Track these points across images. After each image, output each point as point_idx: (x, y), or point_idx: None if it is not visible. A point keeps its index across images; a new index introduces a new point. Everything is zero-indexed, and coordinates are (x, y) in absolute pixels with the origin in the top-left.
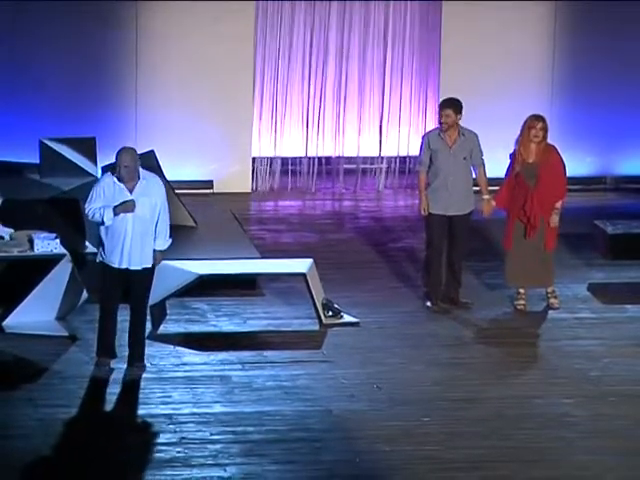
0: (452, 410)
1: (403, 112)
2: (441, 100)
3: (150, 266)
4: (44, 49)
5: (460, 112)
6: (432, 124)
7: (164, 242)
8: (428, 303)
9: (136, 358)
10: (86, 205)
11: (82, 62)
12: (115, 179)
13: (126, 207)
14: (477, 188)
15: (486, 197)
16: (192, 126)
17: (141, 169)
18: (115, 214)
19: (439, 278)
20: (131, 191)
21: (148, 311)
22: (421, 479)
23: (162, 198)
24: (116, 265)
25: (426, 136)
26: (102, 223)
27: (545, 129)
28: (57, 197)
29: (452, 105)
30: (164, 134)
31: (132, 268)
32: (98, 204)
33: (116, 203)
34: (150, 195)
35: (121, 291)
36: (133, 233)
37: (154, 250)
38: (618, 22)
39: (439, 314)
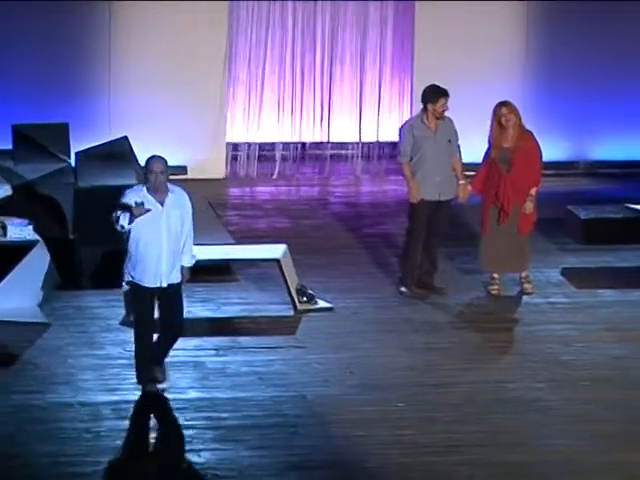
0: (426, 395)
1: (377, 98)
2: (441, 89)
3: (179, 282)
4: (16, 35)
5: None
6: (407, 110)
7: (191, 258)
8: (403, 288)
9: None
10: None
11: (55, 48)
12: (145, 191)
13: (139, 210)
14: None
15: (462, 182)
16: (166, 112)
17: (168, 183)
18: (132, 218)
19: (416, 264)
20: (162, 203)
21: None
22: (396, 464)
23: (189, 212)
24: (149, 285)
25: (407, 125)
26: (121, 227)
27: (513, 111)
28: (31, 183)
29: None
30: (138, 120)
31: (164, 285)
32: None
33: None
34: (180, 208)
35: (153, 311)
36: (168, 249)
37: (182, 267)
38: (591, 9)
39: (414, 299)
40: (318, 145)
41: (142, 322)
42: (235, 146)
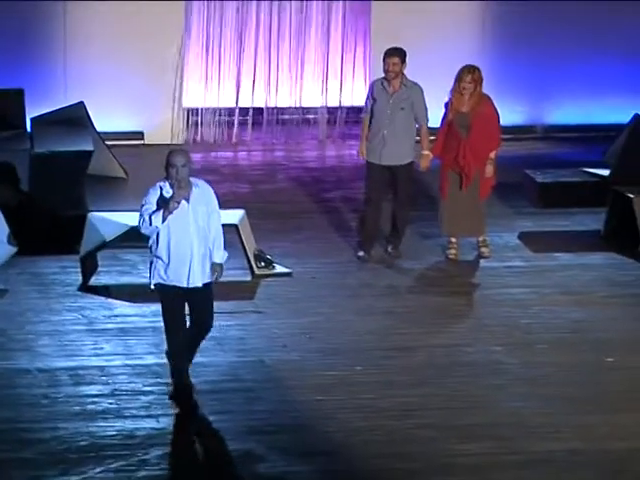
0: (385, 359)
1: (335, 63)
2: (387, 49)
3: (209, 281)
4: None
5: (404, 61)
6: (362, 75)
7: (223, 254)
8: (360, 253)
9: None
10: (138, 218)
11: (9, 13)
12: (168, 187)
13: (173, 203)
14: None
15: (425, 153)
16: (122, 77)
17: (191, 177)
18: (167, 215)
19: (373, 228)
20: (187, 200)
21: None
22: (354, 427)
23: (216, 205)
24: (184, 285)
25: (372, 84)
26: (156, 228)
27: (475, 80)
28: None
29: (399, 53)
30: (94, 85)
31: (196, 286)
32: (149, 211)
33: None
34: (206, 203)
35: (184, 312)
36: (198, 247)
37: (214, 263)
38: None
39: (372, 264)
40: (277, 110)
41: (175, 327)
42: (193, 111)
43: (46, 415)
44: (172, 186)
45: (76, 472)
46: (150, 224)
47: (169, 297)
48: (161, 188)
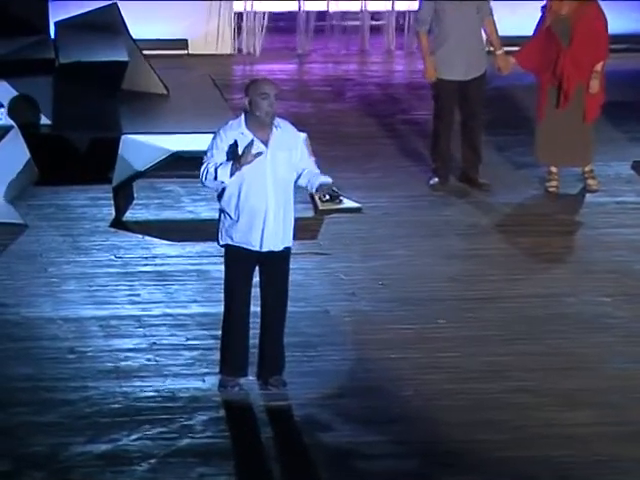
0: (470, 311)
1: None
2: None
3: (291, 245)
4: None
5: None
6: None
7: (321, 175)
8: (434, 180)
9: (272, 371)
10: (202, 167)
11: None
12: (244, 127)
13: (248, 155)
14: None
15: (500, 52)
16: None
17: None
18: (235, 169)
19: (447, 152)
20: (266, 143)
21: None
22: (435, 391)
23: (301, 146)
24: (256, 248)
25: None
26: (222, 184)
27: None
28: (6, 60)
29: None
30: None
31: (276, 249)
32: (216, 161)
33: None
34: (289, 148)
35: (252, 282)
36: (275, 202)
37: (322, 184)
38: None
39: (454, 198)
40: (344, 15)
41: (237, 295)
42: (244, 16)
43: (73, 372)
44: (248, 126)
45: (107, 439)
46: (215, 178)
47: (236, 262)
48: (230, 135)
